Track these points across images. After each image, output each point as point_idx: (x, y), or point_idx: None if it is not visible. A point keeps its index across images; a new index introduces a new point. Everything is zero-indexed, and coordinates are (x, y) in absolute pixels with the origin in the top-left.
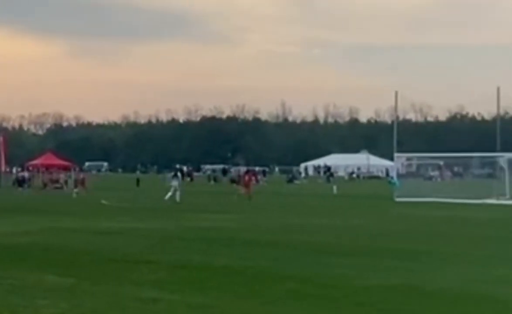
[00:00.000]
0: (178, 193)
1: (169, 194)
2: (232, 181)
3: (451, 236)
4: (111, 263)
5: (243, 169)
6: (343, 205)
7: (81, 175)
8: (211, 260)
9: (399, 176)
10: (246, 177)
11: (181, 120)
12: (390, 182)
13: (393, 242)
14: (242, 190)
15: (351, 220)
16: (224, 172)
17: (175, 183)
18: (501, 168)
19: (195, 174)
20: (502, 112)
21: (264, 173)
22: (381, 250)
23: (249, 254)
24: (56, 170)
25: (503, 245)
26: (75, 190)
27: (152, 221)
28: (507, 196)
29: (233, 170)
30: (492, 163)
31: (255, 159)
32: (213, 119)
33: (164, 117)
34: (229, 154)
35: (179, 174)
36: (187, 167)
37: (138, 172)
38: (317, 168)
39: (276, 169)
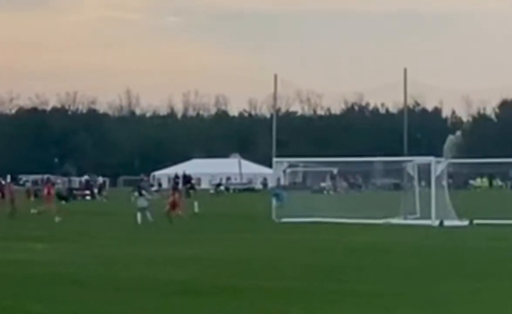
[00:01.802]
0: (139, 216)
1: (148, 215)
2: (61, 197)
3: (341, 269)
4: None
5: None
6: (205, 227)
7: None
8: (24, 306)
9: (280, 187)
10: (177, 195)
11: None
12: (276, 195)
13: (263, 279)
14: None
15: (211, 248)
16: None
17: (143, 203)
18: (410, 177)
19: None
20: (410, 102)
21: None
22: (249, 290)
23: (76, 297)
24: None
25: (405, 280)
26: None
27: None
28: (417, 215)
29: (61, 182)
30: (399, 170)
31: (92, 166)
32: (33, 111)
33: None
34: (56, 160)
35: (144, 191)
36: None
37: None
38: (174, 178)
39: (100, 179)
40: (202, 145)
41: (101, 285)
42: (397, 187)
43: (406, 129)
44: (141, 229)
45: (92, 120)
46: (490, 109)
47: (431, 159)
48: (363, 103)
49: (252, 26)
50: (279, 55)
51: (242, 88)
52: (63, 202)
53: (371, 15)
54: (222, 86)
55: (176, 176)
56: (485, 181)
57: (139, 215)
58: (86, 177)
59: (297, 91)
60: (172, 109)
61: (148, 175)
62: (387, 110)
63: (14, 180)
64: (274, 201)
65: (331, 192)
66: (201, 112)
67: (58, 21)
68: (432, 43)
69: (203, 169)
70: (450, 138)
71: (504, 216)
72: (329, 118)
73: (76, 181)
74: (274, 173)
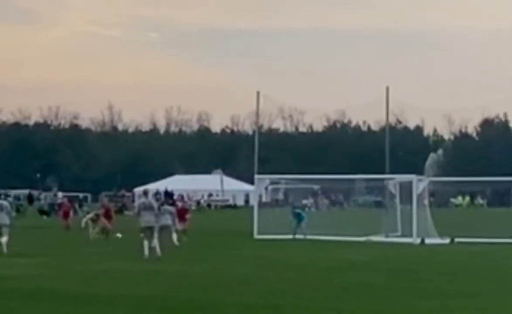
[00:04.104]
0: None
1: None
2: (42, 212)
3: (318, 286)
4: None
5: (60, 195)
6: (185, 244)
7: None
8: None
9: (262, 204)
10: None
11: None
12: (297, 215)
13: (242, 296)
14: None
15: (191, 264)
16: (30, 199)
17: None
18: (391, 195)
19: None
20: (392, 120)
21: (81, 201)
22: (227, 306)
23: (54, 311)
24: None
25: (384, 298)
26: None
27: None
28: (399, 233)
29: (44, 197)
30: (380, 188)
31: (73, 181)
32: (16, 126)
33: None
34: (38, 175)
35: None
36: None
37: None
38: (156, 194)
39: (60, 194)
40: (184, 161)
41: (80, 300)
42: (378, 204)
43: (388, 147)
44: (120, 245)
45: (74, 135)
46: (472, 128)
47: (412, 177)
48: (345, 121)
49: (235, 42)
50: (262, 72)
51: (224, 104)
52: (45, 217)
53: (354, 33)
54: (205, 102)
55: (157, 192)
56: (466, 199)
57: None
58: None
59: (279, 108)
60: (154, 125)
61: (130, 190)
62: (369, 128)
63: None
64: (294, 221)
65: (313, 209)
66: (183, 128)
67: (40, 36)
68: (414, 62)
69: (185, 185)
70: (432, 156)
71: (485, 234)
72: (311, 135)
73: (60, 196)
74: (255, 190)
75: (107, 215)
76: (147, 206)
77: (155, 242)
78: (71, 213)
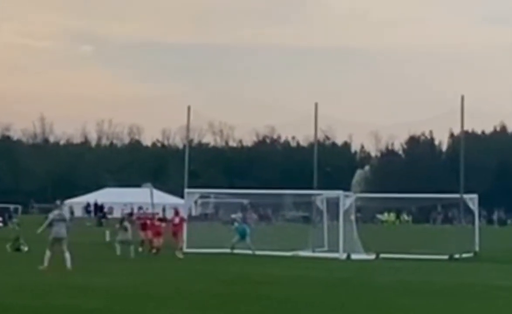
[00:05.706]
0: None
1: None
2: None
3: (245, 300)
4: None
5: None
6: (115, 257)
7: None
8: None
9: (192, 218)
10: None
11: None
12: (240, 231)
13: (169, 308)
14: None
15: (120, 278)
16: None
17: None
18: (319, 211)
19: None
20: (320, 136)
21: (10, 213)
22: None
23: None
24: None
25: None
26: None
27: None
28: (326, 248)
29: None
30: (308, 204)
31: (4, 193)
32: None
33: None
34: None
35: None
36: None
37: None
38: (86, 207)
39: None
40: (115, 174)
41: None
42: (306, 220)
43: (316, 162)
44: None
45: (5, 146)
46: (398, 145)
47: (339, 193)
48: (275, 136)
49: (166, 57)
50: (193, 87)
51: (155, 118)
52: None
53: (283, 49)
54: (136, 116)
55: (88, 205)
56: (392, 215)
57: (118, 247)
58: None
59: (209, 122)
60: (85, 138)
61: (61, 202)
62: (298, 144)
63: None
64: (236, 236)
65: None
66: (114, 141)
67: None
68: (343, 78)
69: (116, 198)
70: (359, 172)
71: (410, 250)
72: (241, 150)
73: None
74: (185, 203)
75: (144, 227)
76: (60, 218)
77: (67, 254)
78: None
